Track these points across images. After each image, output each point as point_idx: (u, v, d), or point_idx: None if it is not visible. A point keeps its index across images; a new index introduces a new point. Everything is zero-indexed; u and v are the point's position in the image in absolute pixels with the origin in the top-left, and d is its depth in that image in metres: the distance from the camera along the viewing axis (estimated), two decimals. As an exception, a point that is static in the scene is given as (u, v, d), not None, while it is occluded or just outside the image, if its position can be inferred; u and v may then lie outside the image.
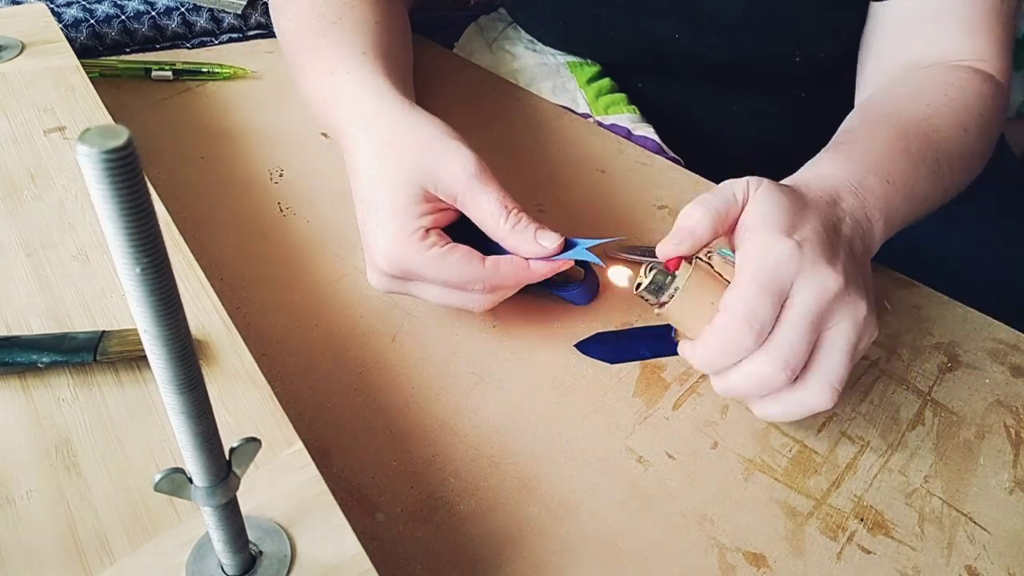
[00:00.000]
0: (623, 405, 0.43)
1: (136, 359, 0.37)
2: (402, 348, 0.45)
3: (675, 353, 0.40)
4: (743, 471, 0.40)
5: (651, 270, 0.38)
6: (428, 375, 0.44)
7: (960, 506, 0.40)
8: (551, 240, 0.42)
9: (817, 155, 0.47)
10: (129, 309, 0.20)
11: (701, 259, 0.39)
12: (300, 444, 0.34)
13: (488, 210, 0.42)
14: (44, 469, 0.33)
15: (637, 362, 0.46)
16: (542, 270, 0.43)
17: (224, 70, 0.67)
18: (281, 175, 0.58)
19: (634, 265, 0.44)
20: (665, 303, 0.38)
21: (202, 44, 0.73)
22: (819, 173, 0.43)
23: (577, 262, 0.45)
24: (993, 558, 0.37)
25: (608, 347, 0.46)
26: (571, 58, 0.74)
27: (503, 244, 0.43)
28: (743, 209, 0.39)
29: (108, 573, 0.29)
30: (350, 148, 0.46)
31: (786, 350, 0.36)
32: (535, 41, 0.76)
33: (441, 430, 0.41)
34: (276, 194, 0.56)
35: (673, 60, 0.68)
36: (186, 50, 0.72)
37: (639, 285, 0.39)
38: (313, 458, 0.33)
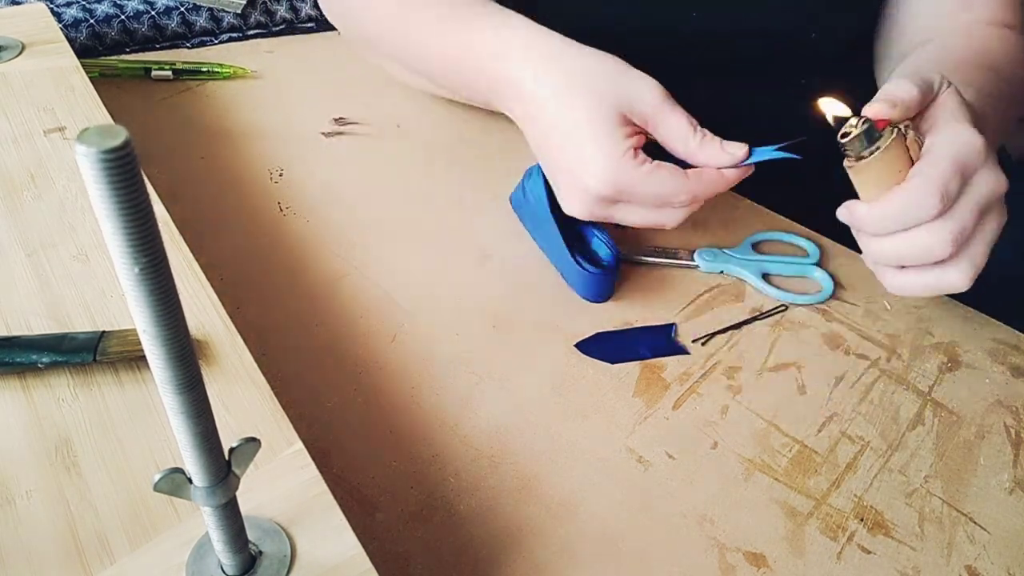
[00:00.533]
0: (623, 405, 0.43)
1: (136, 359, 0.37)
2: (402, 348, 0.45)
3: (677, 352, 0.41)
4: (743, 471, 0.40)
5: (864, 123, 0.41)
6: (428, 375, 0.44)
7: (960, 506, 0.40)
8: (738, 147, 0.45)
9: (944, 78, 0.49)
10: (129, 309, 0.20)
11: (900, 130, 0.41)
12: (300, 444, 0.34)
13: (679, 128, 0.44)
14: (44, 469, 0.33)
15: (637, 362, 0.46)
16: (733, 176, 0.45)
17: (224, 70, 0.67)
18: (281, 175, 0.58)
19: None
20: (864, 158, 0.41)
21: (202, 44, 0.73)
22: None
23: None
24: (993, 558, 0.37)
25: (608, 347, 0.46)
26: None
27: (693, 159, 0.45)
28: (935, 98, 0.43)
29: (108, 573, 0.29)
30: (529, 93, 0.46)
31: (960, 226, 0.40)
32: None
33: (441, 430, 0.41)
34: (276, 194, 0.56)
35: (686, 42, 0.68)
36: (186, 50, 0.72)
37: (846, 134, 0.41)
38: (313, 458, 0.33)
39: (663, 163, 0.44)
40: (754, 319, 0.49)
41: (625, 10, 0.67)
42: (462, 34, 0.51)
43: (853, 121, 0.41)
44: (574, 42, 0.48)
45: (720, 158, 0.45)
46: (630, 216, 0.45)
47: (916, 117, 0.43)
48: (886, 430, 0.43)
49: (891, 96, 0.41)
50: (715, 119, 0.74)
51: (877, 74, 0.67)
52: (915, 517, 0.39)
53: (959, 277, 0.42)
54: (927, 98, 0.42)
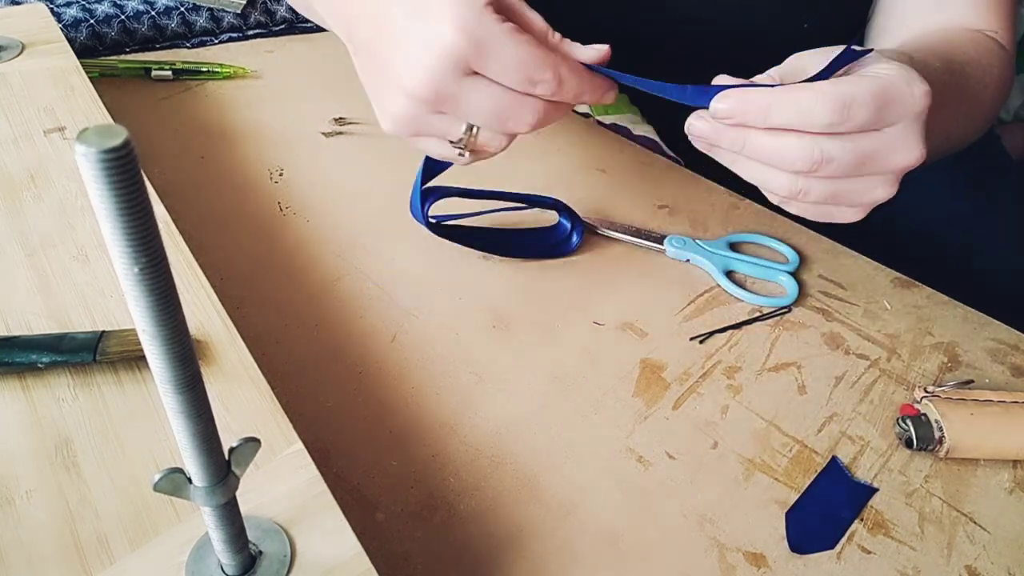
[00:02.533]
0: (623, 405, 0.43)
1: (136, 359, 0.37)
2: (402, 348, 0.45)
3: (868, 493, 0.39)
4: (743, 471, 0.40)
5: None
6: (428, 375, 0.44)
7: (960, 506, 0.40)
8: (598, 49, 0.40)
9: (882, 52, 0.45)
10: (129, 309, 0.20)
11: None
12: (300, 444, 0.34)
13: (540, 22, 0.39)
14: (44, 469, 0.33)
15: (637, 362, 0.46)
16: (599, 80, 0.40)
17: (224, 70, 0.67)
18: (281, 175, 0.58)
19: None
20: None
21: (202, 44, 0.73)
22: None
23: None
24: (993, 558, 0.37)
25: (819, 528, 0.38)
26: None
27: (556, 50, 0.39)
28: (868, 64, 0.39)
29: (108, 573, 0.29)
30: None
31: (827, 154, 0.36)
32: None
33: (441, 430, 0.41)
34: (276, 194, 0.56)
35: (681, 29, 0.68)
36: (186, 50, 0.72)
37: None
38: (313, 458, 0.33)
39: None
40: (754, 319, 0.49)
41: (619, 0, 0.67)
42: None
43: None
44: None
45: (584, 52, 0.39)
46: (483, 98, 0.37)
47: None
48: (886, 430, 0.43)
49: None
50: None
51: None
52: (915, 517, 0.39)
53: (800, 208, 0.40)
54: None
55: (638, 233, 0.54)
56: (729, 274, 0.52)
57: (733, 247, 0.54)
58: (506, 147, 0.41)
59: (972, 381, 0.45)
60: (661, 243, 0.53)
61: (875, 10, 0.67)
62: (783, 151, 0.37)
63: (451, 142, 0.41)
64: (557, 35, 0.40)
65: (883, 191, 0.39)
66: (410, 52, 0.37)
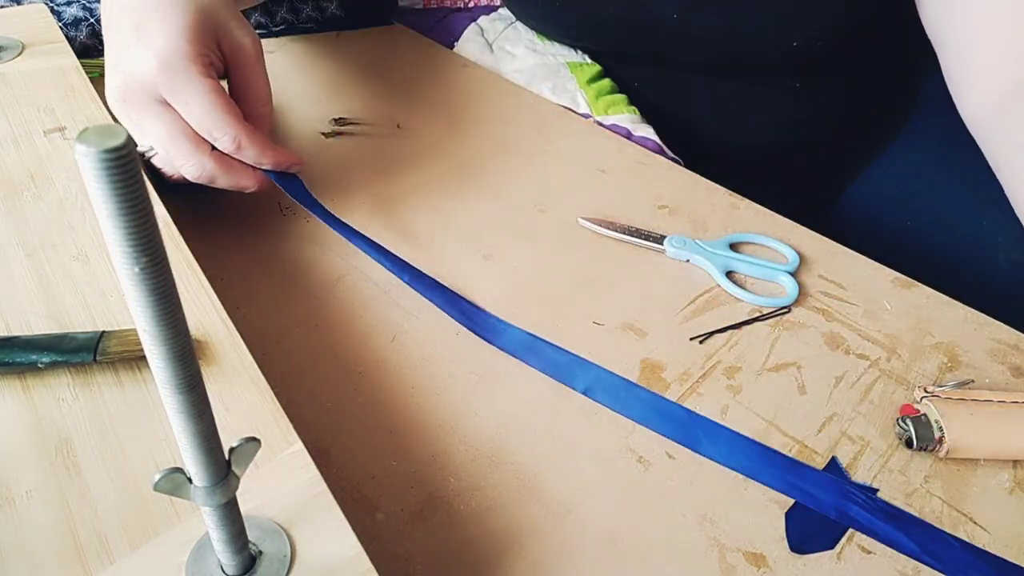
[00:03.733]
0: (623, 405, 0.43)
1: (136, 359, 0.37)
2: (402, 348, 0.45)
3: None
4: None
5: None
6: (428, 375, 0.44)
7: (960, 506, 0.40)
8: (294, 155, 0.45)
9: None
10: (129, 309, 0.20)
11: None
12: (300, 444, 0.34)
13: (264, 86, 0.44)
14: (44, 469, 0.33)
15: (637, 362, 0.46)
16: (271, 157, 0.45)
17: (224, 70, 0.67)
18: (281, 175, 0.58)
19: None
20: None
21: (202, 44, 0.73)
22: None
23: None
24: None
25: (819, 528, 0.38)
26: (571, 58, 0.74)
27: (260, 122, 0.45)
28: None
29: (108, 573, 0.29)
30: None
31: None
32: (535, 41, 0.76)
33: (441, 430, 0.41)
34: (276, 194, 0.56)
35: (670, 44, 0.68)
36: (186, 50, 0.72)
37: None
38: (313, 458, 0.33)
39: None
40: (754, 319, 0.49)
41: (608, 9, 0.67)
42: None
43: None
44: None
45: (275, 146, 0.44)
46: (156, 125, 0.42)
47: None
48: (886, 430, 0.43)
49: None
50: (706, 116, 0.75)
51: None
52: (915, 517, 0.39)
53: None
54: None
55: (638, 233, 0.54)
56: (729, 274, 0.52)
57: (733, 247, 0.54)
58: (171, 175, 0.45)
59: (972, 381, 0.45)
60: (661, 243, 0.53)
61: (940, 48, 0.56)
62: None
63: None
64: (271, 108, 0.45)
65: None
66: (122, 59, 0.42)
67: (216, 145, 0.42)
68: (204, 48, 0.42)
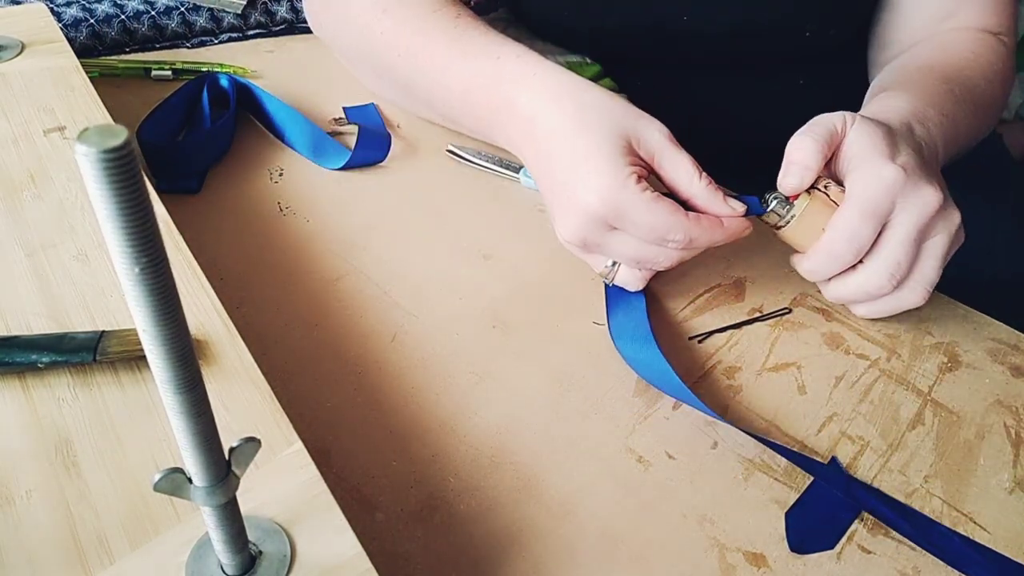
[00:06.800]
0: (623, 405, 0.43)
1: (136, 359, 0.37)
2: (402, 348, 0.45)
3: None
4: (743, 471, 0.40)
5: (774, 199, 0.46)
6: (428, 375, 0.44)
7: (960, 506, 0.40)
8: (739, 205, 0.45)
9: (874, 97, 0.52)
10: (129, 309, 0.20)
11: (818, 189, 0.45)
12: (300, 444, 0.34)
13: (685, 168, 0.44)
14: (44, 469, 0.33)
15: (637, 362, 0.46)
16: (733, 228, 0.45)
17: (224, 70, 0.67)
18: (281, 175, 0.58)
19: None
20: (781, 227, 0.46)
21: (202, 44, 0.73)
22: (888, 107, 0.49)
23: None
24: (993, 558, 0.37)
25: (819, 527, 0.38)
26: (572, 58, 0.74)
27: (695, 200, 0.45)
28: (843, 140, 0.45)
29: (108, 573, 0.29)
30: (538, 118, 0.47)
31: (893, 265, 0.43)
32: (536, 42, 0.76)
33: (441, 430, 0.41)
34: (276, 194, 0.56)
35: (678, 45, 0.68)
36: (186, 50, 0.72)
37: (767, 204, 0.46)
38: (313, 458, 0.33)
39: (664, 196, 0.43)
40: (754, 319, 0.49)
41: (620, 8, 0.67)
42: (479, 61, 0.51)
43: (768, 196, 0.46)
44: (580, 79, 0.48)
45: (719, 207, 0.44)
46: (623, 247, 0.44)
47: (831, 161, 0.46)
48: (886, 430, 0.43)
49: (792, 166, 0.44)
50: (709, 116, 0.74)
51: (870, 77, 0.68)
52: (915, 517, 0.39)
53: (911, 297, 0.45)
54: (833, 143, 0.45)
55: (499, 161, 0.57)
56: None
57: None
58: (645, 280, 0.48)
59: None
60: (516, 173, 0.57)
61: (878, 19, 0.67)
62: (867, 284, 0.45)
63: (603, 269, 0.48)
64: (704, 178, 0.45)
65: (944, 233, 0.44)
66: (566, 204, 0.44)
67: (669, 247, 0.44)
68: (630, 164, 0.43)
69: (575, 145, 0.44)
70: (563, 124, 0.45)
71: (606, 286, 0.49)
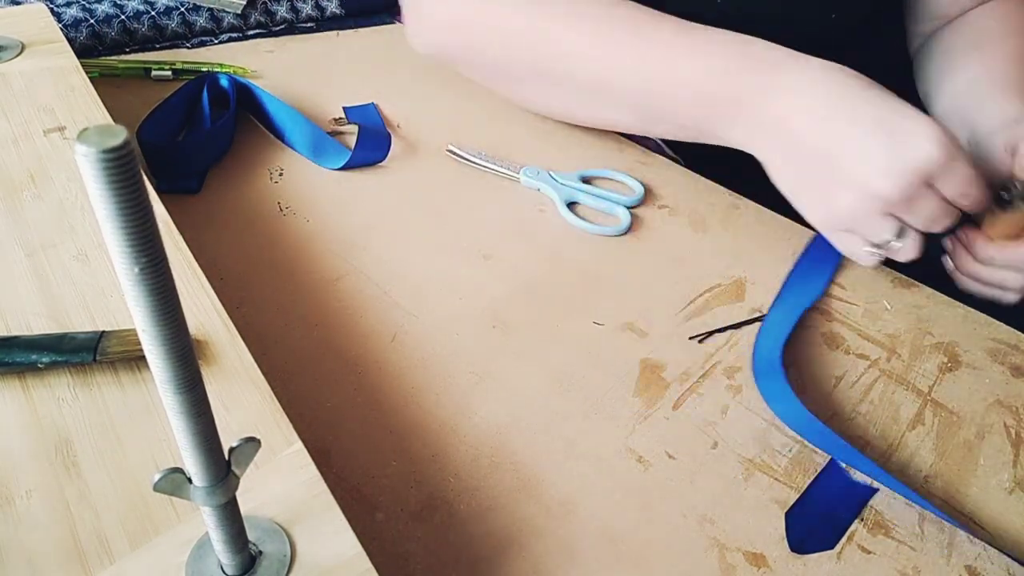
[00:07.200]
0: (623, 405, 0.43)
1: (136, 359, 0.37)
2: (402, 348, 0.45)
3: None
4: (743, 471, 0.40)
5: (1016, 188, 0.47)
6: (428, 375, 0.44)
7: (960, 506, 0.40)
8: None
9: (984, 98, 0.55)
10: (129, 309, 0.20)
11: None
12: (300, 444, 0.34)
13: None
14: (44, 469, 0.33)
15: (637, 362, 0.46)
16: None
17: (224, 70, 0.67)
18: (281, 175, 0.58)
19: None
20: (1006, 211, 0.47)
21: (202, 44, 0.73)
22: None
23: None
24: (993, 558, 0.37)
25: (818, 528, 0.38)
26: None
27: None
28: None
29: (108, 573, 0.29)
30: (818, 88, 0.47)
31: None
32: None
33: (441, 430, 0.41)
34: (276, 194, 0.56)
35: (708, 19, 0.68)
36: (186, 50, 0.72)
37: (1006, 190, 0.47)
38: (313, 458, 0.33)
39: None
40: (754, 319, 0.49)
41: None
42: (705, 49, 0.51)
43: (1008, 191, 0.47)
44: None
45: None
46: (928, 205, 0.44)
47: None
48: (886, 430, 0.43)
49: None
50: None
51: (909, 45, 0.71)
52: (915, 517, 0.39)
53: (1015, 296, 0.50)
54: None
55: (496, 161, 0.59)
56: (571, 205, 0.57)
57: (585, 180, 0.59)
58: (917, 255, 0.48)
59: None
60: (516, 172, 0.58)
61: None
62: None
63: (872, 243, 0.48)
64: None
65: None
66: (879, 161, 0.43)
67: (960, 203, 0.45)
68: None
69: (886, 103, 0.44)
70: (864, 87, 0.45)
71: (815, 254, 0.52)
